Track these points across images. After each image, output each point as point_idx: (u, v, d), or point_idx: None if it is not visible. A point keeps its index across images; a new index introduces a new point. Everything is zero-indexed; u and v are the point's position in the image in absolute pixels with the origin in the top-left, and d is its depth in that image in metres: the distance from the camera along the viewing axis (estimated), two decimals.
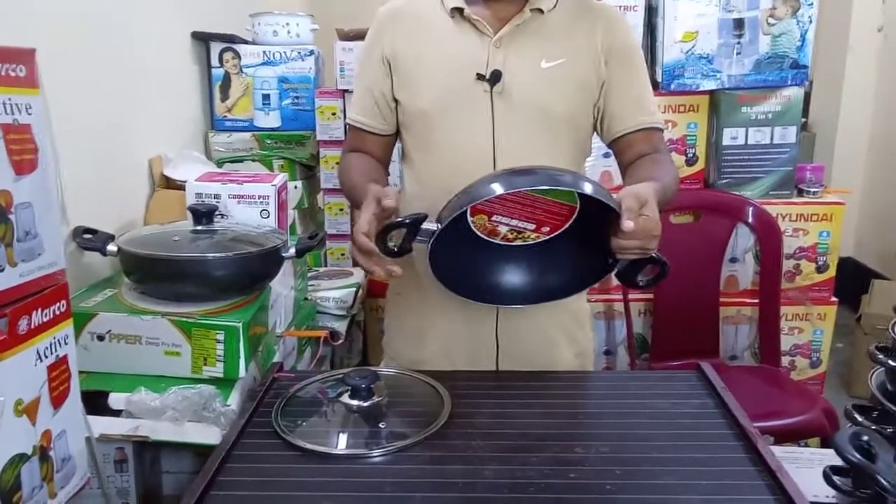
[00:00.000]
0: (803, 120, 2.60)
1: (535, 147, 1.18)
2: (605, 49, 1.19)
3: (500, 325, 1.24)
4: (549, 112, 1.17)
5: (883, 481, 0.81)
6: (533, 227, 1.02)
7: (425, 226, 0.98)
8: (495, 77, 1.15)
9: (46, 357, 0.83)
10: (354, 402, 1.05)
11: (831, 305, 2.12)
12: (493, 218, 1.00)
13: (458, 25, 1.18)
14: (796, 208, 2.06)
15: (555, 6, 1.19)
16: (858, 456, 0.84)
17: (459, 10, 1.17)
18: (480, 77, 1.15)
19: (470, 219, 1.01)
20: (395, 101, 1.23)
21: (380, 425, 1.04)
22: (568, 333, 1.29)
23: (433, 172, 1.22)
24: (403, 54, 1.20)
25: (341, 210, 2.18)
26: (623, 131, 1.22)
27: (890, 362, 0.99)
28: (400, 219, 0.98)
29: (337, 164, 2.10)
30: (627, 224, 0.93)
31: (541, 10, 1.17)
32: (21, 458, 0.79)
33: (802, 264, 2.09)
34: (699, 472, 0.93)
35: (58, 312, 0.85)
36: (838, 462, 0.91)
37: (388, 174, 1.32)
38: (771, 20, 1.97)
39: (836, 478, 0.91)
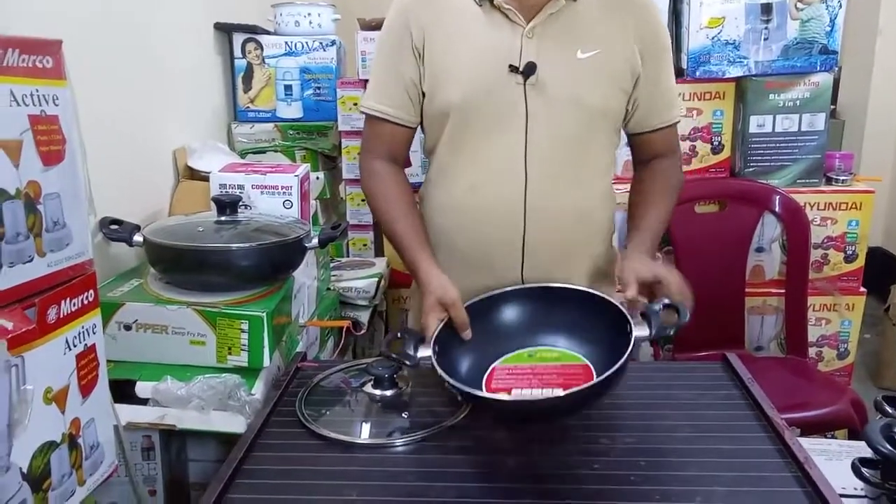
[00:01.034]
0: (832, 107, 2.55)
1: (569, 141, 1.15)
2: (639, 42, 1.16)
3: None
4: (585, 105, 1.14)
5: None
6: (550, 389, 0.99)
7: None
8: (530, 69, 1.11)
9: (75, 346, 0.84)
10: (378, 392, 1.05)
11: (860, 296, 2.08)
12: (513, 391, 0.99)
13: (487, 15, 1.13)
14: (824, 197, 2.03)
15: None
16: (890, 447, 0.82)
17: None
18: (514, 69, 1.11)
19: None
20: (422, 93, 1.19)
21: (403, 415, 1.05)
22: None
23: (462, 169, 1.18)
24: (433, 45, 1.15)
25: (363, 201, 2.17)
26: (650, 128, 1.22)
27: None
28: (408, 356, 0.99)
29: (359, 154, 2.11)
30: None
31: None
32: (51, 446, 0.80)
33: (830, 254, 2.06)
34: (725, 464, 0.92)
35: (86, 302, 0.86)
36: (866, 454, 0.90)
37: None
38: (800, 5, 1.92)
39: (864, 469, 0.90)
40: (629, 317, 0.97)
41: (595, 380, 0.91)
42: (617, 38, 1.15)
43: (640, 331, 0.95)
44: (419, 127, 1.24)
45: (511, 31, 1.13)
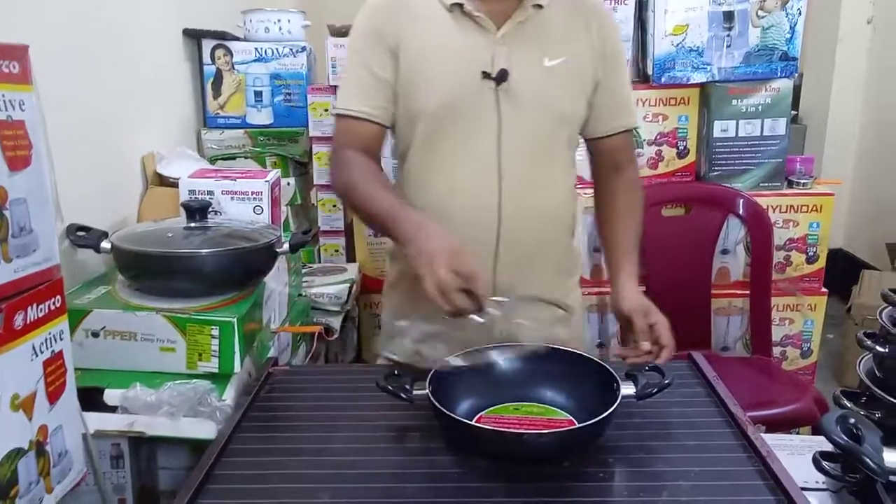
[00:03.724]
0: (794, 112, 2.62)
1: (539, 144, 1.19)
2: (600, 48, 1.21)
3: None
4: (554, 110, 1.18)
5: (869, 462, 0.82)
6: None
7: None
8: (502, 76, 1.13)
9: (42, 352, 0.83)
10: None
11: (821, 296, 2.13)
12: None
13: (458, 22, 1.15)
14: (786, 199, 2.08)
15: (551, 0, 1.17)
16: (845, 438, 0.85)
17: (459, 6, 1.14)
18: (486, 75, 1.14)
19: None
20: (395, 94, 1.19)
21: None
22: (563, 289, 1.31)
23: (437, 173, 1.19)
24: (407, 50, 1.16)
25: (334, 206, 2.18)
26: (607, 132, 1.27)
27: (878, 348, 1.00)
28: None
29: (330, 152, 2.11)
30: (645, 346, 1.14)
31: (540, 6, 1.16)
32: (18, 453, 0.79)
33: (793, 255, 2.11)
34: (691, 459, 0.94)
35: (53, 308, 0.85)
36: (827, 448, 0.92)
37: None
38: (760, 12, 1.98)
39: (825, 463, 0.92)
40: (616, 376, 1.00)
41: (587, 423, 0.92)
42: (581, 46, 1.20)
43: (626, 389, 0.98)
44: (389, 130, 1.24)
45: (483, 37, 1.15)
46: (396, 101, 1.20)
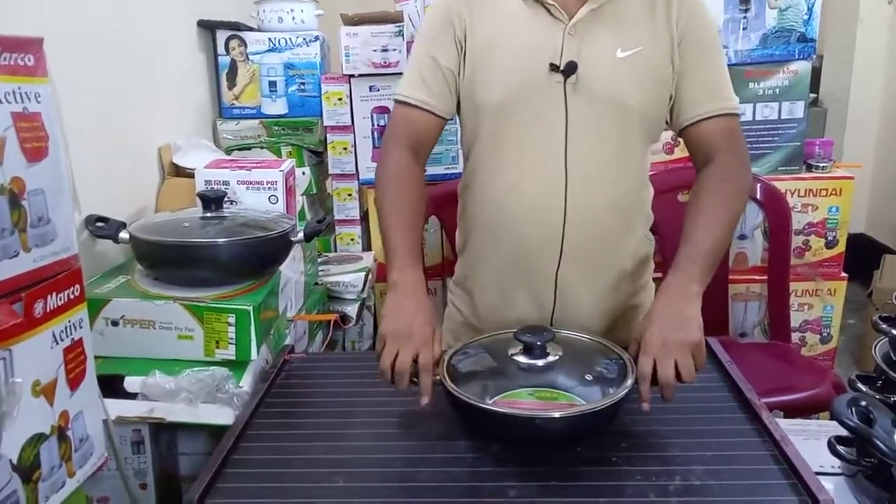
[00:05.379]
0: (814, 95, 2.58)
1: (608, 139, 1.13)
2: (680, 31, 1.12)
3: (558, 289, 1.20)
4: (624, 105, 1.11)
5: (880, 445, 0.82)
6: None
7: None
8: (570, 69, 1.09)
9: (62, 340, 0.85)
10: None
11: (841, 281, 2.11)
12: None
13: (530, 9, 1.11)
14: (805, 183, 2.05)
15: None
16: (856, 420, 0.85)
17: None
18: (554, 68, 1.09)
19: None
20: (459, 86, 1.17)
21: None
22: (630, 288, 1.26)
23: (503, 167, 1.16)
24: (475, 42, 1.13)
25: (349, 195, 2.19)
26: (692, 119, 1.14)
27: (893, 332, 0.99)
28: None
29: (345, 149, 2.12)
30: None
31: None
32: (40, 438, 0.81)
33: (812, 240, 2.09)
34: (704, 444, 0.94)
35: (72, 296, 0.87)
36: (845, 433, 0.92)
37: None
38: None
39: (840, 447, 0.92)
40: (630, 362, 0.99)
41: (599, 405, 0.92)
42: (659, 33, 1.12)
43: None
44: (455, 118, 1.22)
45: (553, 27, 1.11)
46: (461, 93, 1.17)
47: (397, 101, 1.19)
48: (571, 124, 1.11)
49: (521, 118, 1.12)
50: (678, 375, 0.95)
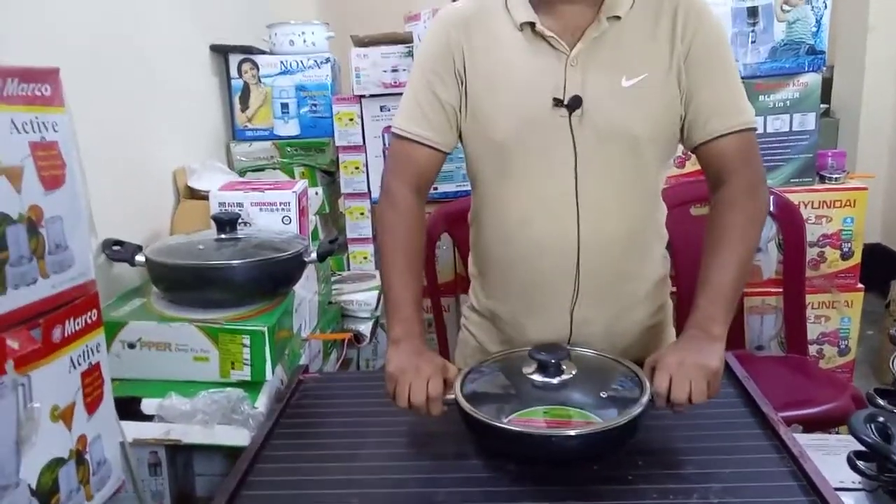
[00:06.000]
0: (825, 105, 2.57)
1: (619, 170, 1.09)
2: (687, 43, 1.06)
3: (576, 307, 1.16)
4: (633, 135, 1.07)
5: None
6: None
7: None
8: (575, 103, 1.05)
9: (80, 364, 0.86)
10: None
11: (858, 292, 2.09)
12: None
13: (529, 42, 1.07)
14: (818, 195, 2.04)
15: (632, 6, 1.06)
16: (874, 436, 0.84)
17: (531, 25, 1.06)
18: (558, 102, 1.05)
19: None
20: (459, 119, 1.13)
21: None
22: (648, 309, 1.22)
23: (511, 202, 1.12)
24: (475, 76, 1.09)
25: (362, 214, 2.20)
26: (704, 138, 1.09)
27: None
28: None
29: (357, 168, 2.14)
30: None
31: (618, 17, 1.05)
32: (58, 462, 0.82)
33: (827, 251, 2.07)
34: (722, 461, 0.93)
35: (89, 321, 0.88)
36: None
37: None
38: (785, 7, 1.95)
39: (860, 462, 0.91)
40: (646, 385, 0.98)
41: (615, 423, 0.92)
42: (664, 54, 1.07)
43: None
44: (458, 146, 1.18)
45: (555, 60, 1.06)
46: (463, 128, 1.13)
47: (397, 135, 1.15)
48: (580, 158, 1.07)
49: (528, 154, 1.09)
50: (690, 397, 0.94)
